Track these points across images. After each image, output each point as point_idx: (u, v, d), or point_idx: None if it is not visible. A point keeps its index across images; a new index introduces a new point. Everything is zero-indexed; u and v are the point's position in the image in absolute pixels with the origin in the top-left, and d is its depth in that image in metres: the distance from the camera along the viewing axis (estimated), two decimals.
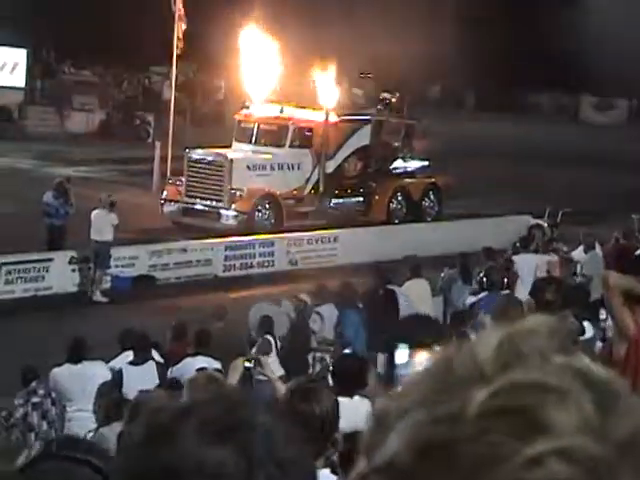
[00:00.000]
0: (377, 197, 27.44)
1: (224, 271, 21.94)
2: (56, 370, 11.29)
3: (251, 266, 22.40)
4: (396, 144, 28.80)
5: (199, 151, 26.23)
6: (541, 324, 0.92)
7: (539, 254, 18.07)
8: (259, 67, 27.78)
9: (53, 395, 10.85)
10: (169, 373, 11.43)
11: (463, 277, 16.37)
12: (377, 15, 37.32)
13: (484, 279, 14.51)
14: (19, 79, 40.13)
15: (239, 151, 26.37)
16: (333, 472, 4.42)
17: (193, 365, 10.92)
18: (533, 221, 23.00)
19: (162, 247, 21.48)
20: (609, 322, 9.17)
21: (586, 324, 9.92)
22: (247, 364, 11.14)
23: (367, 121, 27.94)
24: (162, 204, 25.82)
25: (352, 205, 27.26)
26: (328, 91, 26.93)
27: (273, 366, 10.97)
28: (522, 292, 15.09)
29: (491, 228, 24.05)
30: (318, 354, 13.83)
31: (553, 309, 9.63)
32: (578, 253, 18.23)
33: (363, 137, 27.69)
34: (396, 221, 27.16)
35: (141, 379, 10.32)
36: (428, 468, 0.85)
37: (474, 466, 0.84)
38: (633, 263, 14.59)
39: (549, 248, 18.82)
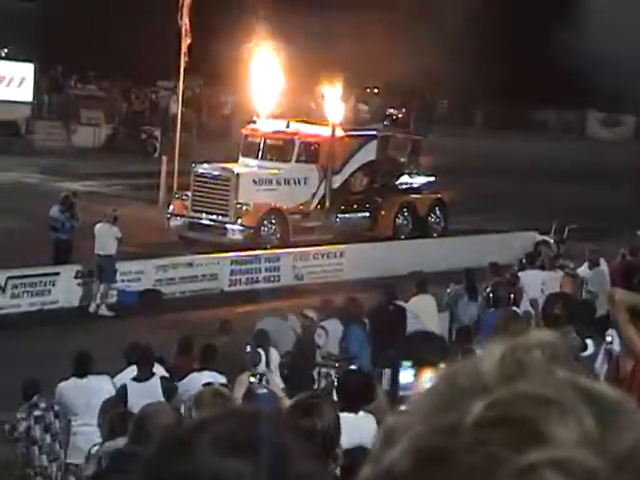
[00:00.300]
0: (383, 212, 27.45)
1: (230, 286, 21.94)
2: (62, 384, 11.29)
3: (257, 281, 22.40)
4: (402, 160, 28.82)
5: (205, 166, 26.27)
6: (544, 338, 0.93)
7: (545, 270, 18.05)
8: (266, 82, 27.85)
9: (56, 408, 10.84)
10: None
11: (469, 293, 16.35)
12: (384, 31, 37.40)
13: (490, 295, 14.51)
14: (26, 94, 40.25)
15: (245, 166, 26.41)
16: None
17: (199, 380, 10.91)
18: (539, 237, 23.00)
19: (168, 261, 21.50)
20: (616, 338, 9.16)
21: (588, 341, 9.91)
22: (252, 379, 11.16)
23: (373, 136, 27.97)
24: (168, 218, 25.86)
25: (358, 220, 27.27)
26: (334, 106, 26.98)
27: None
28: (528, 308, 15.08)
29: (497, 244, 24.04)
30: (323, 369, 13.82)
31: (559, 324, 9.63)
32: (583, 269, 18.21)
33: (369, 152, 27.71)
34: (402, 236, 27.16)
35: (145, 395, 10.30)
36: (425, 476, 0.86)
37: (469, 475, 0.84)
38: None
39: (555, 264, 18.80)
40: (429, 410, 0.89)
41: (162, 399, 10.49)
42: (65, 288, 19.90)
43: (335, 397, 7.91)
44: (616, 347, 9.02)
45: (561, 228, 23.94)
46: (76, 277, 20.07)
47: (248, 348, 13.09)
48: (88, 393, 11.15)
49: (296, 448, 1.26)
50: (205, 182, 25.75)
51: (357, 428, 5.91)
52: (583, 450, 0.84)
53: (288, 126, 26.65)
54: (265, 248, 23.93)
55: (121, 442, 7.97)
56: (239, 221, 24.99)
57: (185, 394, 10.99)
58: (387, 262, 22.92)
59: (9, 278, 19.25)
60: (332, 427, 4.37)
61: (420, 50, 34.75)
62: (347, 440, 4.59)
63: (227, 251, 23.05)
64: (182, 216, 25.69)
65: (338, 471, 4.58)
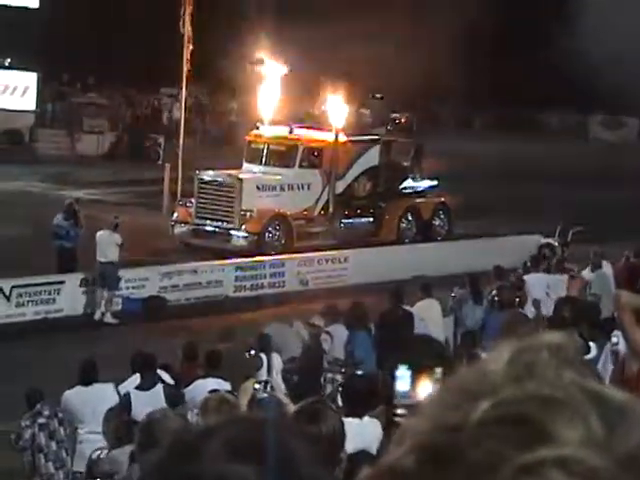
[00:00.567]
0: (387, 217, 27.45)
1: (235, 292, 21.94)
2: (68, 392, 11.30)
3: (262, 287, 22.40)
4: (405, 164, 28.83)
5: (209, 172, 26.29)
6: (553, 340, 0.93)
7: (550, 273, 18.04)
8: (269, 88, 27.88)
9: (60, 415, 10.84)
10: None
11: (474, 297, 16.33)
12: (386, 36, 37.43)
13: (495, 298, 14.50)
14: (30, 102, 40.31)
15: (249, 172, 26.42)
16: None
17: (204, 387, 10.91)
18: (543, 240, 22.97)
19: (173, 268, 21.51)
20: (621, 339, 9.15)
21: (592, 344, 9.91)
22: (257, 386, 11.17)
23: (376, 141, 27.98)
24: (172, 225, 25.87)
25: (362, 225, 27.27)
26: (337, 111, 26.99)
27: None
28: (532, 311, 15.07)
29: (501, 247, 24.01)
30: (329, 375, 13.81)
31: (565, 327, 9.62)
32: (587, 272, 18.20)
33: (372, 157, 27.71)
34: (406, 241, 27.16)
35: (148, 404, 10.30)
36: (427, 473, 0.86)
37: (471, 472, 0.84)
38: None
39: (560, 267, 18.79)
40: (435, 409, 0.90)
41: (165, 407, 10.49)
42: (70, 296, 19.91)
43: (340, 402, 7.91)
44: (622, 348, 9.02)
45: (565, 231, 23.92)
46: (81, 285, 20.08)
47: (251, 352, 13.13)
48: (94, 401, 11.15)
49: (302, 453, 1.27)
50: (209, 189, 25.76)
51: (362, 433, 5.90)
52: (588, 450, 0.84)
53: (291, 132, 26.67)
54: (269, 254, 23.94)
55: (128, 449, 7.98)
56: (243, 227, 25.00)
57: (191, 401, 11.00)
58: (391, 267, 22.91)
59: (14, 287, 19.27)
60: (337, 432, 4.37)
61: (422, 54, 34.76)
62: (352, 445, 4.58)
63: (231, 257, 23.06)
64: (186, 223, 25.70)
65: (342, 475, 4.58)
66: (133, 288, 20.60)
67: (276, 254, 24.02)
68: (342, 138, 26.73)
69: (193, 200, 25.84)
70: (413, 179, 28.65)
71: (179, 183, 28.02)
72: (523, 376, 0.88)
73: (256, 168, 26.50)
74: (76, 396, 11.26)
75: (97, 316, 19.75)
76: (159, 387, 11.04)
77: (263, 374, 12.59)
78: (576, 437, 0.84)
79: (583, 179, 36.26)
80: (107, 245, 19.74)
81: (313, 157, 26.59)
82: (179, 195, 27.22)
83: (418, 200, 28.24)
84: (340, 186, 26.93)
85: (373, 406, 7.08)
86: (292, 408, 6.38)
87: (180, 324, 19.04)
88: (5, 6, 39.59)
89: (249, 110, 28.81)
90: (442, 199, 28.37)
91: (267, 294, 22.11)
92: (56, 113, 42.43)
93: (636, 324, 6.85)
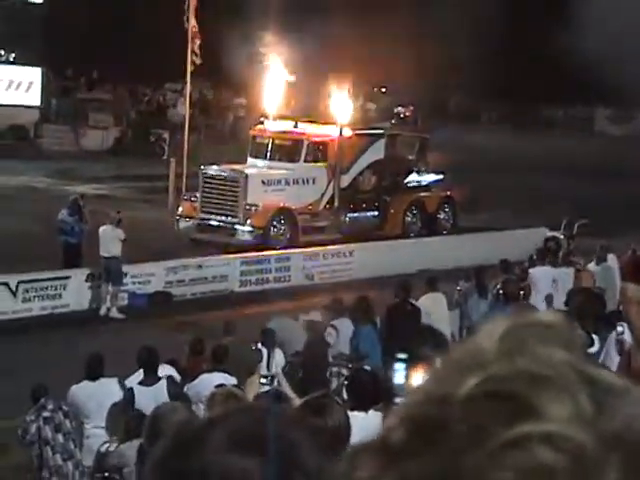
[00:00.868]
0: (392, 211, 27.44)
1: (240, 287, 21.96)
2: (74, 387, 11.32)
3: (267, 281, 22.41)
4: (411, 157, 28.82)
5: (214, 167, 26.29)
6: (546, 319, 0.93)
7: (556, 267, 18.02)
8: (274, 82, 27.88)
9: (65, 408, 10.86)
10: (185, 389, 11.44)
11: (479, 290, 16.33)
12: (391, 30, 37.39)
13: (500, 292, 14.49)
14: (34, 98, 40.33)
15: (254, 167, 26.43)
16: None
17: (210, 381, 10.92)
18: (549, 233, 22.95)
19: (178, 263, 21.52)
20: (627, 330, 9.16)
21: (595, 337, 9.90)
22: (263, 380, 11.18)
23: (381, 135, 27.96)
24: (177, 220, 25.89)
25: (367, 219, 27.27)
26: (342, 105, 26.98)
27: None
28: (538, 305, 15.05)
29: (507, 241, 24.01)
30: (335, 369, 13.82)
31: (581, 318, 9.62)
32: (593, 265, 18.19)
33: (377, 151, 27.70)
34: (411, 235, 27.15)
35: (152, 399, 10.33)
36: (414, 444, 0.86)
37: (456, 446, 0.84)
38: None
39: (566, 260, 18.78)
40: (427, 384, 0.90)
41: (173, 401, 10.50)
42: (76, 292, 19.93)
43: (345, 396, 7.92)
44: (627, 338, 9.02)
45: (571, 224, 23.90)
46: (87, 280, 20.10)
47: (256, 346, 13.16)
48: (100, 396, 11.18)
49: (305, 445, 1.27)
50: (214, 183, 25.77)
51: (367, 427, 5.91)
52: (575, 427, 0.83)
53: (296, 126, 26.66)
54: (275, 248, 23.95)
55: (135, 443, 8.01)
56: (248, 222, 25.00)
57: (196, 395, 11.01)
58: (397, 260, 22.91)
59: (20, 282, 19.29)
60: (342, 426, 4.37)
61: (427, 48, 34.73)
62: (357, 439, 4.58)
63: (237, 252, 23.06)
64: (191, 218, 25.71)
65: None
66: (139, 283, 20.63)
67: (281, 249, 24.02)
68: (347, 132, 26.72)
69: (198, 195, 25.85)
70: (418, 173, 28.64)
71: (184, 178, 28.04)
72: (514, 353, 0.88)
73: (261, 163, 26.51)
74: (82, 391, 11.28)
75: (103, 311, 19.78)
76: (162, 382, 11.05)
77: (263, 368, 12.60)
78: (564, 414, 0.84)
79: (588, 173, 36.21)
80: (110, 240, 19.75)
81: (318, 151, 26.59)
82: (184, 190, 27.24)
83: (423, 194, 28.22)
84: (345, 180, 26.92)
85: (378, 400, 7.09)
86: (297, 402, 6.39)
87: (186, 319, 19.06)
88: (10, 1, 39.60)
89: (256, 105, 28.79)
90: (447, 193, 28.36)
91: (272, 289, 22.12)
92: (61, 108, 42.46)
93: None
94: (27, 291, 19.34)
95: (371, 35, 35.56)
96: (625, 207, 29.31)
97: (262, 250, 23.49)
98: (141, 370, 11.34)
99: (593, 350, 9.80)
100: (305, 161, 26.39)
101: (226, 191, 25.63)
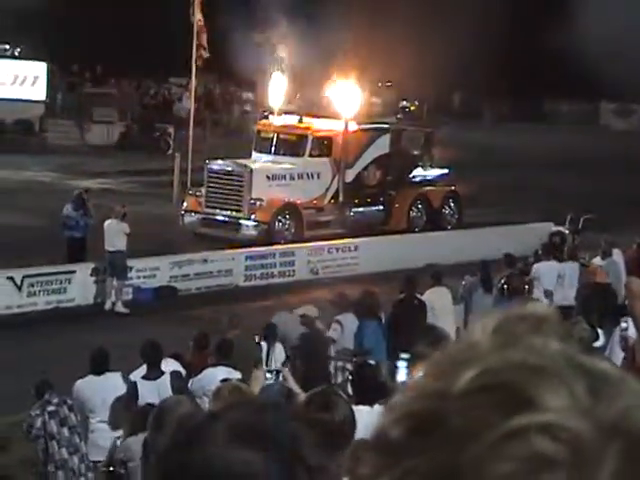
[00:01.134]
0: (397, 205, 27.43)
1: (245, 281, 21.97)
2: (79, 382, 11.33)
3: (272, 276, 22.42)
4: (416, 152, 28.79)
5: (219, 162, 26.28)
6: (539, 311, 0.93)
7: (561, 261, 18.01)
8: (279, 77, 27.86)
9: (69, 402, 10.87)
10: (190, 384, 11.45)
11: (484, 285, 16.33)
12: (397, 24, 37.36)
13: (504, 286, 14.49)
14: (40, 92, 40.32)
15: (259, 161, 26.42)
16: None
17: (214, 375, 10.92)
18: (554, 228, 22.93)
19: (183, 258, 21.53)
20: (631, 325, 9.15)
21: (600, 331, 9.90)
22: (268, 375, 11.18)
23: (386, 130, 27.94)
24: (182, 215, 25.89)
25: (372, 214, 27.25)
26: (347, 100, 26.95)
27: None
28: (542, 299, 15.05)
29: (512, 236, 23.99)
30: (339, 363, 13.80)
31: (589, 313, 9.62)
32: (598, 260, 18.17)
33: (382, 146, 27.68)
34: (416, 229, 27.14)
35: (155, 394, 10.34)
36: (412, 439, 0.86)
37: (455, 438, 0.84)
38: None
39: (571, 255, 18.76)
40: (422, 380, 0.90)
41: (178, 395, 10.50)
42: (81, 286, 19.95)
43: (350, 390, 7.92)
44: (631, 334, 9.01)
45: (576, 219, 23.87)
46: (92, 275, 20.11)
47: (260, 339, 13.18)
48: (105, 390, 11.19)
49: (308, 439, 1.27)
50: (219, 178, 25.76)
51: (372, 421, 5.91)
52: (572, 417, 0.84)
53: (301, 121, 26.63)
54: (279, 243, 23.95)
55: (141, 437, 8.02)
56: (253, 217, 25.00)
57: (200, 389, 11.02)
58: (402, 255, 22.90)
59: (25, 277, 19.31)
60: (347, 421, 4.38)
61: (432, 43, 34.68)
62: (362, 433, 4.59)
63: (242, 247, 23.07)
64: (196, 212, 25.72)
65: None
66: (144, 278, 20.64)
67: (286, 243, 24.03)
68: (352, 127, 26.70)
69: (203, 189, 25.85)
70: (423, 167, 28.62)
71: (189, 173, 28.03)
72: (508, 345, 0.88)
73: (266, 157, 26.49)
74: (87, 385, 11.29)
75: (108, 306, 19.79)
76: (166, 377, 11.06)
77: (263, 363, 12.57)
78: (561, 404, 0.84)
79: (593, 167, 36.16)
80: (115, 234, 19.75)
81: (323, 146, 26.57)
82: (189, 184, 27.23)
83: (428, 188, 28.20)
84: (350, 175, 26.90)
85: (384, 394, 7.09)
86: (303, 397, 6.39)
87: (190, 313, 19.07)
88: None
89: (263, 100, 28.76)
90: (452, 187, 28.34)
91: (277, 283, 22.13)
92: (66, 103, 42.46)
93: None
94: (32, 285, 19.36)
95: (376, 28, 35.53)
96: (631, 201, 29.26)
97: (267, 245, 23.50)
98: (145, 365, 11.35)
99: (598, 344, 9.79)
100: (310, 156, 26.37)
101: (231, 186, 25.63)
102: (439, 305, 15.50)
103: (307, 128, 26.53)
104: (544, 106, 56.45)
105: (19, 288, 19.19)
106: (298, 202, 25.56)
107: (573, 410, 0.84)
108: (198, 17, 28.61)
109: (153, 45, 41.01)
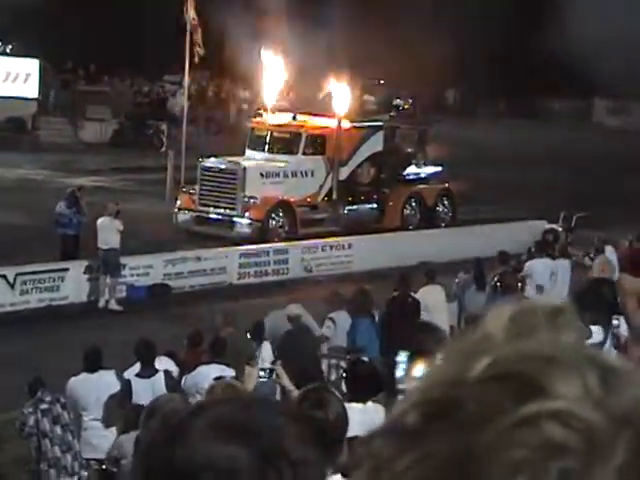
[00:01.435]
0: (391, 203, 27.43)
1: (239, 279, 21.96)
2: (73, 379, 11.33)
3: (266, 274, 22.42)
4: (409, 150, 28.79)
5: (212, 159, 26.27)
6: (552, 304, 0.95)
7: (555, 259, 18.04)
8: (272, 75, 27.83)
9: (62, 400, 10.87)
10: (183, 381, 11.45)
11: (477, 282, 16.35)
12: (390, 22, 37.39)
13: (497, 284, 14.50)
14: (32, 90, 40.23)
15: (252, 159, 26.41)
16: (344, 476, 4.43)
17: (208, 373, 10.93)
18: (548, 226, 22.96)
19: (176, 256, 21.52)
20: (622, 323, 9.17)
21: (594, 328, 9.90)
22: (261, 373, 11.18)
23: (380, 127, 27.94)
24: (176, 213, 25.87)
25: (366, 211, 27.26)
26: (341, 98, 26.95)
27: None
28: (534, 297, 15.06)
29: (505, 233, 24.01)
30: (333, 361, 13.81)
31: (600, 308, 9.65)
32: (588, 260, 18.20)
33: (376, 143, 27.68)
34: (410, 227, 27.15)
35: (149, 392, 10.33)
36: (426, 426, 0.88)
37: (470, 424, 0.86)
38: None
39: (564, 252, 18.79)
40: (437, 369, 0.93)
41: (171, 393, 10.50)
42: (74, 284, 19.93)
43: (344, 388, 7.92)
44: (623, 332, 9.03)
45: (569, 216, 23.91)
46: (85, 273, 20.09)
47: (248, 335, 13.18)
48: (98, 388, 11.18)
49: (292, 433, 1.27)
50: (212, 176, 25.75)
51: (365, 419, 5.91)
52: (583, 405, 0.85)
53: (295, 118, 26.63)
54: (273, 241, 23.94)
55: (133, 435, 8.03)
56: (247, 214, 24.99)
57: (193, 387, 11.02)
58: (395, 253, 22.92)
59: (18, 274, 19.29)
60: (340, 419, 4.38)
61: (426, 40, 34.69)
62: (355, 430, 4.59)
63: (235, 244, 23.06)
64: (189, 210, 25.70)
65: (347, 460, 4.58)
66: (137, 275, 20.63)
67: (280, 241, 24.02)
68: (345, 124, 26.70)
69: (196, 187, 25.84)
70: (417, 165, 28.63)
71: (182, 170, 28.01)
72: (522, 336, 0.91)
73: (259, 155, 26.49)
74: (81, 383, 11.29)
75: (101, 303, 19.78)
76: (160, 375, 11.06)
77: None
78: (573, 394, 0.86)
79: (587, 164, 36.21)
80: (108, 232, 19.74)
81: (317, 144, 26.57)
82: (182, 182, 27.22)
83: (422, 186, 28.22)
84: (344, 173, 26.91)
85: (376, 392, 7.09)
86: (296, 394, 6.39)
87: (184, 311, 19.06)
88: None
89: (258, 98, 28.75)
90: (446, 185, 28.35)
91: (271, 281, 22.12)
92: (59, 100, 42.38)
93: (639, 309, 6.87)
94: (25, 283, 19.34)
95: (370, 26, 35.53)
96: (624, 198, 29.31)
97: (260, 242, 23.49)
98: (139, 363, 11.35)
99: (591, 341, 9.79)
100: (304, 153, 26.37)
101: (224, 183, 25.62)
102: (433, 303, 15.52)
103: (301, 126, 26.53)
104: (538, 103, 56.48)
105: (12, 286, 19.16)
106: (292, 200, 25.56)
107: (585, 400, 0.86)
108: (192, 15, 28.58)
109: (147, 43, 40.96)
